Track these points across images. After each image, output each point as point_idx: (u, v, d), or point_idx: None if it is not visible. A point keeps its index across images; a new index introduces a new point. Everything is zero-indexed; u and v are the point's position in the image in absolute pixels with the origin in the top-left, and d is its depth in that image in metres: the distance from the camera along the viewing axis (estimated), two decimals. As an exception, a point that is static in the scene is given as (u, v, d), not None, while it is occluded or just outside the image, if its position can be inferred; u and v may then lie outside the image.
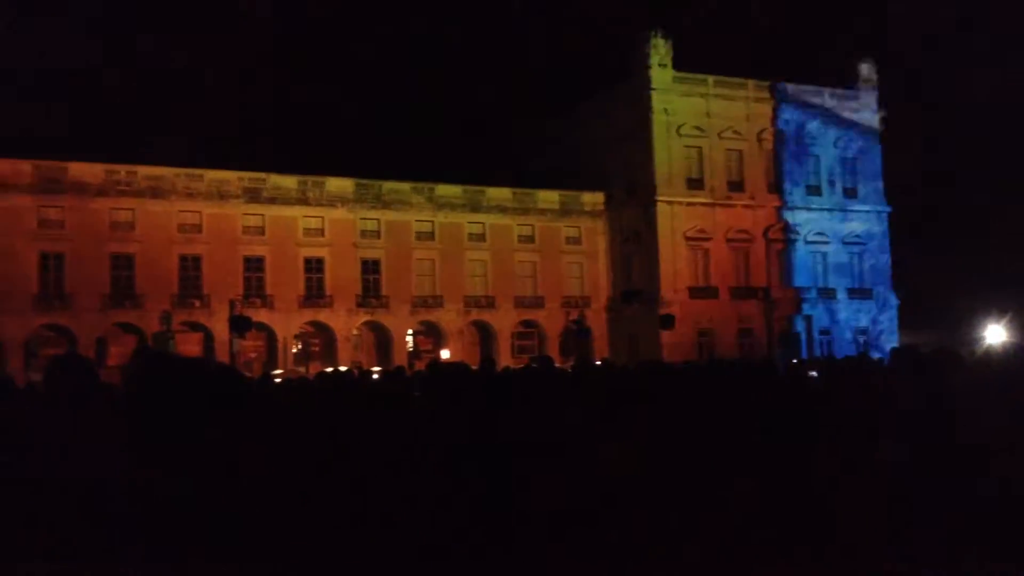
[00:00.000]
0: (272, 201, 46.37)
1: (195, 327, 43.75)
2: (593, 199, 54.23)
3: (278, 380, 14.06)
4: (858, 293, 56.35)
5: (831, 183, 56.93)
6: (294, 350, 46.49)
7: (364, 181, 48.92)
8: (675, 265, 52.10)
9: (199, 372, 2.57)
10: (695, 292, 52.28)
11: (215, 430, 2.35)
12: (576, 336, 50.58)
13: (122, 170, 43.75)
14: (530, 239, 52.55)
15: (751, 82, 55.00)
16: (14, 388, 5.90)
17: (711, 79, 53.99)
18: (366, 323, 48.28)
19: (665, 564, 3.24)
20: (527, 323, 51.77)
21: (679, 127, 52.74)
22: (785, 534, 3.41)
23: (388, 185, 49.28)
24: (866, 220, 57.39)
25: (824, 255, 56.18)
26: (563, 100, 58.08)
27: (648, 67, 52.26)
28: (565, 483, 3.41)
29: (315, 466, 3.25)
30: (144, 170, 44.14)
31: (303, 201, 47.14)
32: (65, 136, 48.72)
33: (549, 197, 53.19)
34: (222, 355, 41.71)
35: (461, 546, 2.97)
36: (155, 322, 42.37)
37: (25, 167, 41.64)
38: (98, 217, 42.88)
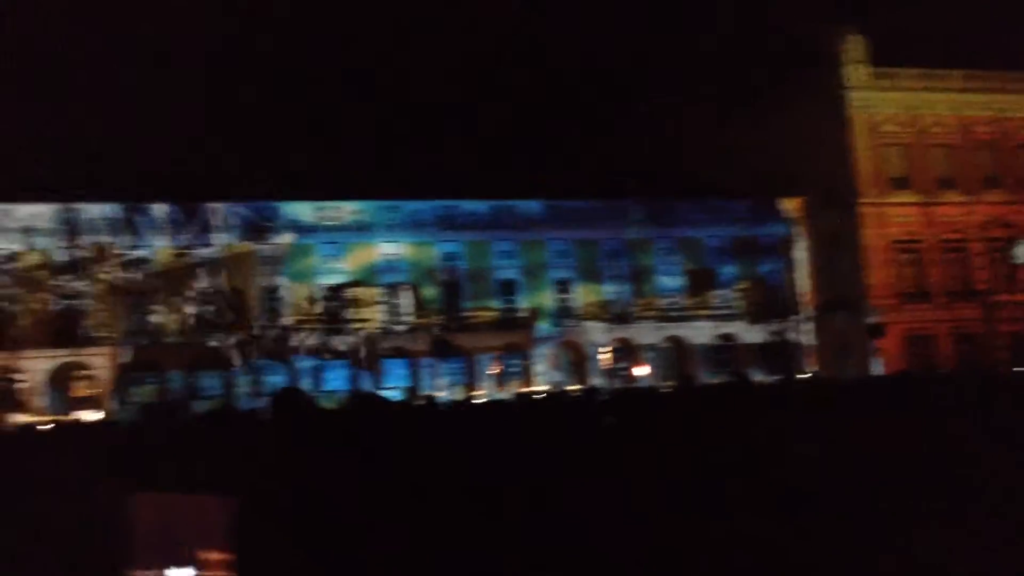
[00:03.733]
0: (464, 227, 47.96)
1: (399, 352, 45.67)
2: (790, 205, 52.33)
3: (478, 402, 14.47)
4: (1097, 291, 51.13)
5: (1057, 172, 52.16)
6: (494, 371, 47.54)
7: (554, 203, 49.63)
8: (883, 270, 49.44)
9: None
10: (906, 298, 49.30)
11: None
12: (777, 349, 48.93)
13: (329, 207, 46.62)
14: (723, 250, 51.38)
15: (956, 72, 51.48)
16: (235, 413, 6.41)
17: (911, 72, 51.00)
18: (561, 342, 48.74)
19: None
20: (725, 336, 50.49)
21: (880, 125, 50.14)
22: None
23: (575, 205, 49.76)
24: (1102, 210, 52.14)
25: (1054, 251, 51.44)
26: (746, 105, 56.36)
27: (842, 64, 50.10)
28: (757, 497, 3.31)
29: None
30: (349, 206, 46.86)
31: (495, 225, 48.44)
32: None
33: (741, 206, 51.82)
34: (425, 377, 43.54)
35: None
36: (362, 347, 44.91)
37: (239, 210, 45.20)
38: (310, 252, 45.98)
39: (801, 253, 52.43)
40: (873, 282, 49.02)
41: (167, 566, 2.46)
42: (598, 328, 48.59)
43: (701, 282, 50.72)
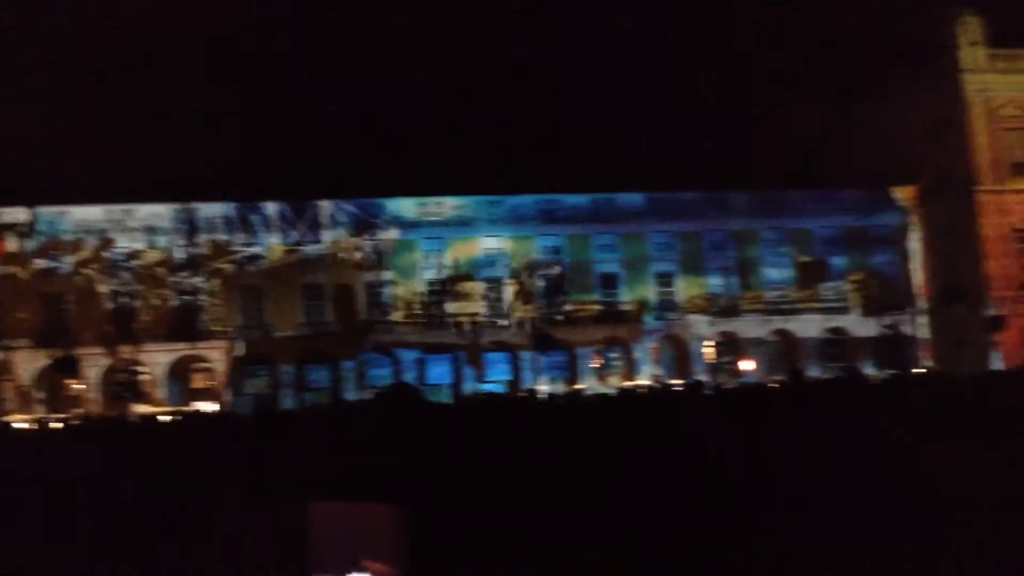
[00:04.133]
0: (566, 221, 47.97)
1: (501, 345, 46.01)
2: (903, 194, 50.48)
3: (586, 395, 14.47)
4: None
5: None
6: (596, 365, 47.43)
7: (655, 195, 49.10)
8: (1002, 260, 47.19)
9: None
10: (1028, 289, 46.95)
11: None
12: (891, 343, 47.28)
13: (431, 202, 47.32)
14: (834, 241, 49.93)
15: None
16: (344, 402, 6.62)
17: (1033, 52, 48.50)
18: (663, 336, 48.21)
19: None
20: (835, 330, 49.06)
21: (998, 108, 47.81)
22: None
23: (679, 197, 49.12)
24: None
25: None
26: (856, 90, 54.47)
27: (957, 47, 47.96)
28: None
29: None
30: (451, 201, 47.43)
31: (596, 218, 48.28)
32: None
33: (852, 195, 50.23)
34: (527, 371, 43.78)
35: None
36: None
37: (346, 207, 46.34)
38: (413, 247, 46.77)
39: (915, 243, 50.53)
40: (992, 273, 46.83)
41: (343, 573, 2.55)
42: (702, 321, 47.89)
43: (813, 273, 49.39)
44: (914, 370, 36.53)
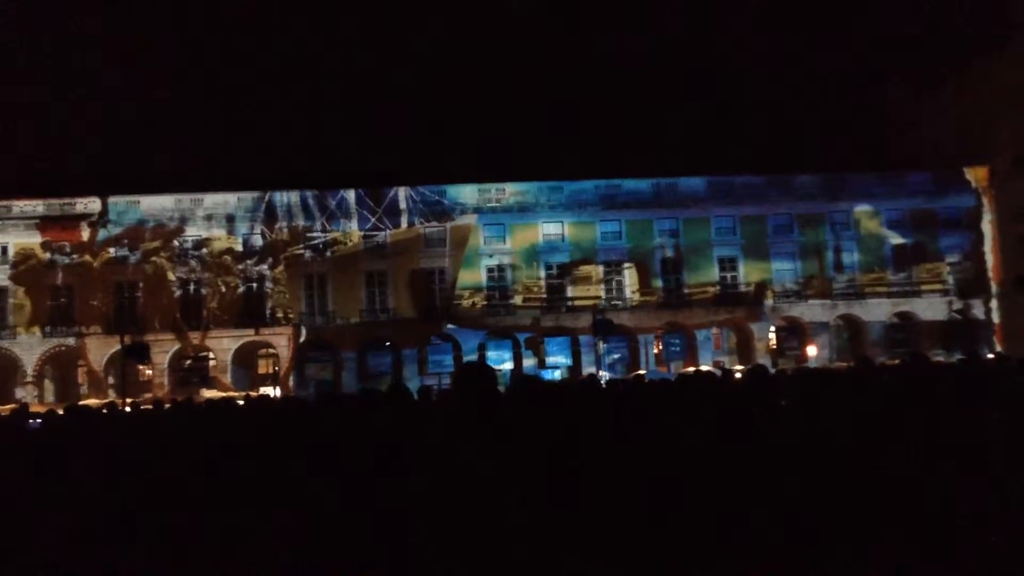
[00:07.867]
0: (626, 206, 47.60)
1: (562, 331, 45.96)
2: (975, 175, 48.97)
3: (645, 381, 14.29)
4: None
5: None
6: (655, 351, 47.14)
7: (715, 179, 48.47)
8: (1081, 242, 45.46)
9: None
10: (1109, 272, 45.15)
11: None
12: (961, 328, 46.03)
13: (492, 188, 47.39)
14: (900, 223, 48.75)
15: None
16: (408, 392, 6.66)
17: (1118, 23, 46.47)
18: (724, 322, 47.63)
19: None
20: (902, 315, 47.98)
21: (1077, 84, 45.97)
22: None
23: (740, 180, 48.40)
24: None
25: None
26: (930, 72, 53.06)
27: (1034, 21, 46.24)
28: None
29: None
30: (511, 187, 47.45)
31: (657, 203, 47.85)
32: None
33: (921, 176, 48.92)
34: (588, 357, 43.64)
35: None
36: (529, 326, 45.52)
37: (417, 194, 46.64)
38: (476, 233, 46.89)
39: (987, 226, 49.03)
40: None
41: None
42: (766, 307, 47.17)
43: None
44: (986, 355, 35.49)
